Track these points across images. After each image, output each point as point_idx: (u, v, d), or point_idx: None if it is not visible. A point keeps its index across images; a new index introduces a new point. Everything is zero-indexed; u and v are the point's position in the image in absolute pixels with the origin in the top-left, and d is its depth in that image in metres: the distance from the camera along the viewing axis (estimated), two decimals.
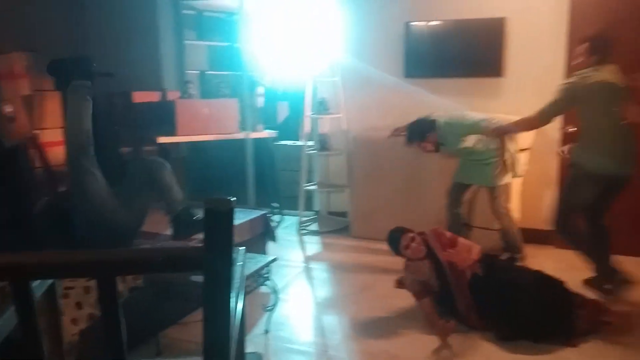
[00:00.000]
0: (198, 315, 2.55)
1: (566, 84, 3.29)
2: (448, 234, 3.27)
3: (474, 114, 3.91)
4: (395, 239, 3.20)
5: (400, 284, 3.39)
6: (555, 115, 3.42)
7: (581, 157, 3.28)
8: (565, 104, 3.30)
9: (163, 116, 4.64)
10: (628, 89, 3.19)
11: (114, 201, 2.92)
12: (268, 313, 3.07)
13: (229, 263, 0.79)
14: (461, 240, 3.21)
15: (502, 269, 3.19)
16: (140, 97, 4.80)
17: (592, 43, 3.22)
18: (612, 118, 3.17)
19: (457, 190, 4.00)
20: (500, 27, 4.43)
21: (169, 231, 3.38)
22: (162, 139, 4.61)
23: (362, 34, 4.92)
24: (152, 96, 4.92)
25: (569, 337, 2.77)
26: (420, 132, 3.86)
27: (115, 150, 4.90)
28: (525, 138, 4.20)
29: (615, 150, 3.20)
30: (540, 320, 2.78)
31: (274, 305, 3.07)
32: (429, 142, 3.86)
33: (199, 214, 3.12)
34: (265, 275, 3.34)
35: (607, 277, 3.35)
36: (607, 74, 3.16)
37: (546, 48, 4.33)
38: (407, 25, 4.71)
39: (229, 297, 0.80)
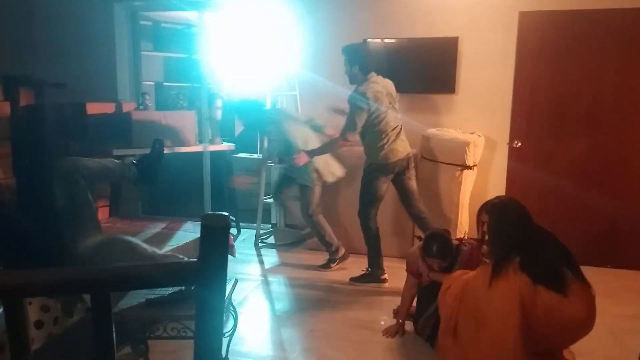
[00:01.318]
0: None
1: None
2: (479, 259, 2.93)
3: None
4: (432, 253, 3.01)
5: (395, 313, 3.34)
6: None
7: None
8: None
9: (118, 128, 4.56)
10: None
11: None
12: (227, 339, 2.79)
13: (223, 278, 0.82)
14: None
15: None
16: (94, 108, 4.69)
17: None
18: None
19: (281, 183, 4.57)
20: (454, 46, 4.61)
21: None
22: (117, 151, 4.53)
23: (320, 49, 4.99)
24: (107, 107, 4.82)
25: None
26: None
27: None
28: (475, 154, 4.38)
29: None
30: None
31: (233, 331, 2.76)
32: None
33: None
34: (231, 301, 3.13)
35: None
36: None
37: (496, 66, 4.54)
38: (364, 42, 4.82)
39: (222, 312, 0.82)
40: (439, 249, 2.99)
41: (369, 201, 3.98)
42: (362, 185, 4.01)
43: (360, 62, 3.85)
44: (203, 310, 0.81)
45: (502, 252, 2.52)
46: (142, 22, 5.54)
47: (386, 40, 4.83)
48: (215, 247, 0.80)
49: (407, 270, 3.19)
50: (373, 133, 3.83)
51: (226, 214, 0.82)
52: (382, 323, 3.34)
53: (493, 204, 2.70)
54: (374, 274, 4.06)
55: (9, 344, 0.73)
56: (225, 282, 0.81)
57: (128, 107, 4.98)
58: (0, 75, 4.52)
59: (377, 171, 3.90)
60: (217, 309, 0.82)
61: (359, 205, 4.04)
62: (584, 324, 2.41)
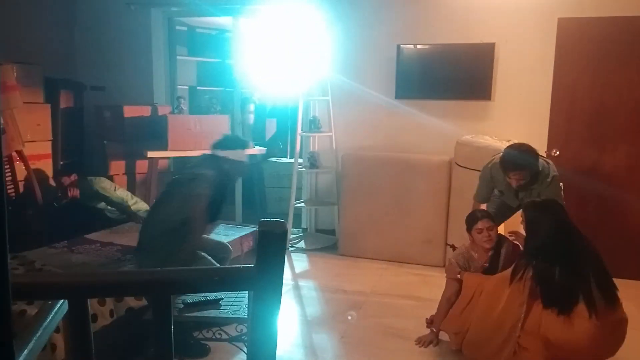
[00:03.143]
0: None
1: None
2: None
3: None
4: (475, 218, 3.09)
5: (429, 322, 3.29)
6: None
7: None
8: None
9: (154, 131, 4.64)
10: None
11: None
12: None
13: (279, 283, 0.82)
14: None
15: None
16: (131, 111, 4.79)
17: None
18: None
19: None
20: (490, 52, 4.55)
21: None
22: (152, 154, 4.61)
23: (353, 53, 4.99)
24: (143, 110, 4.92)
25: None
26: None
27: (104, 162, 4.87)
28: None
29: None
30: None
31: None
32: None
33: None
34: None
35: None
36: None
37: (534, 73, 4.46)
38: (398, 48, 4.80)
39: (277, 317, 0.82)
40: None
41: None
42: None
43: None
44: (259, 315, 0.81)
45: (528, 255, 2.60)
46: (177, 28, 5.64)
47: (419, 46, 4.80)
48: (272, 253, 0.80)
49: (447, 276, 3.14)
50: None
51: (283, 220, 0.82)
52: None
53: (534, 203, 2.71)
54: None
55: (69, 345, 0.74)
56: (281, 287, 0.81)
57: (163, 110, 5.07)
58: (42, 79, 4.65)
59: None
60: (273, 314, 0.82)
61: None
62: (588, 350, 2.41)
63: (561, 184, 3.27)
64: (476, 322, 2.79)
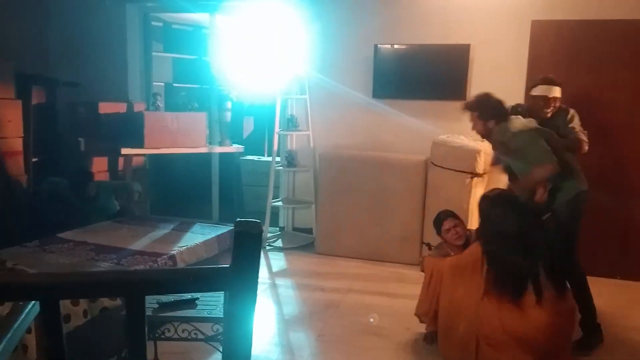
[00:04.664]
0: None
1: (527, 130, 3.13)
2: None
3: None
4: (440, 220, 3.24)
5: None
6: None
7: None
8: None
9: (130, 128, 4.57)
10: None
11: None
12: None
13: (255, 284, 0.82)
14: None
15: None
16: (106, 107, 4.72)
17: (479, 112, 3.17)
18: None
19: None
20: (466, 53, 4.61)
21: (133, 245, 3.36)
22: (128, 151, 4.55)
23: (330, 52, 5.00)
24: (119, 107, 4.85)
25: None
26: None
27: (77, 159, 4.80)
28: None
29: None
30: None
31: None
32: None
33: None
34: None
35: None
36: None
37: (508, 74, 4.53)
38: (376, 47, 4.83)
39: (253, 317, 0.82)
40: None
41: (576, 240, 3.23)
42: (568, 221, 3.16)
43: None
44: (234, 315, 0.81)
45: (482, 242, 2.72)
46: (153, 23, 5.56)
47: (396, 46, 4.83)
48: (248, 253, 0.80)
49: (423, 270, 3.18)
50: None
51: (258, 221, 0.82)
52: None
53: (485, 195, 2.89)
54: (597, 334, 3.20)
55: (42, 346, 0.73)
56: (257, 287, 0.82)
57: (139, 107, 5.00)
58: (13, 74, 4.54)
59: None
60: (248, 314, 0.83)
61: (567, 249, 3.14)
62: (540, 337, 2.46)
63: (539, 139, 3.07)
64: (442, 311, 2.90)
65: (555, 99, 3.37)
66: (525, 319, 2.47)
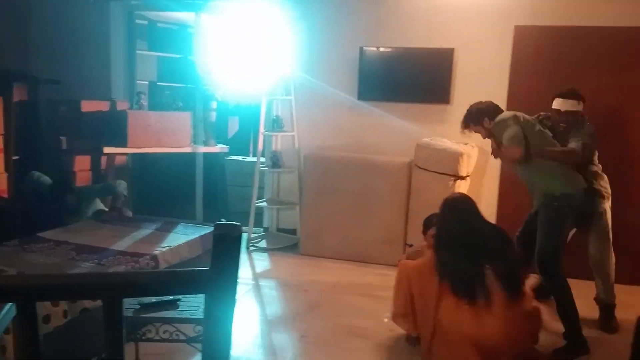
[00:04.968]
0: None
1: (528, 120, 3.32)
2: None
3: None
4: (430, 223, 3.22)
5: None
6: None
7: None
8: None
9: (113, 126, 4.53)
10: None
11: None
12: None
13: (234, 286, 0.82)
14: None
15: None
16: (88, 106, 4.67)
17: (472, 121, 3.48)
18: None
19: None
20: (449, 57, 4.65)
21: (115, 246, 3.33)
22: (110, 150, 4.51)
23: (316, 53, 5.01)
24: (101, 105, 4.80)
25: None
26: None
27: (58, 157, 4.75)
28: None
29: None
30: None
31: None
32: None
33: None
34: None
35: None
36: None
37: (491, 79, 4.58)
38: (361, 50, 4.85)
39: (232, 319, 0.82)
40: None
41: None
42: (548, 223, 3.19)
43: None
44: (214, 317, 0.81)
45: (437, 246, 2.79)
46: (137, 21, 5.52)
47: (382, 49, 4.86)
48: (227, 256, 0.80)
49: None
50: None
51: (238, 223, 0.83)
52: (386, 320, 3.42)
53: (446, 198, 2.94)
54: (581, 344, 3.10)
55: (18, 346, 0.73)
56: (236, 290, 0.82)
57: (122, 105, 4.96)
58: None
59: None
60: (228, 316, 0.83)
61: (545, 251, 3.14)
62: (498, 342, 2.49)
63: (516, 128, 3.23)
64: (418, 313, 2.92)
65: (568, 112, 3.39)
66: (479, 322, 2.51)
